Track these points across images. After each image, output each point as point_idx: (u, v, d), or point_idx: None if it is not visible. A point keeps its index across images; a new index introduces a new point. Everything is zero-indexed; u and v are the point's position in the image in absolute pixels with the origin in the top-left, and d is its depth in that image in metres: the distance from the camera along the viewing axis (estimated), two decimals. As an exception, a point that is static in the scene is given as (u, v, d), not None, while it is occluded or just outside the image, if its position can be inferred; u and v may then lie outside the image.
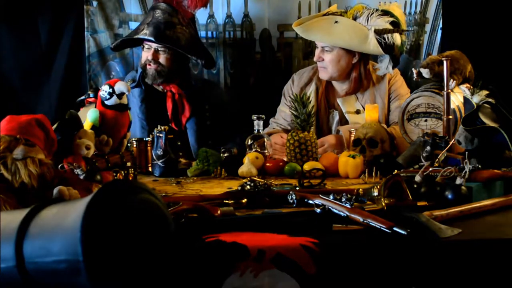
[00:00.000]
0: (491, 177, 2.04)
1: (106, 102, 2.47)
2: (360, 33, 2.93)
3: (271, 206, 1.99)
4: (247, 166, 2.54)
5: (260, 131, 2.76)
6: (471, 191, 1.95)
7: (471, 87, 2.51)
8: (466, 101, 2.44)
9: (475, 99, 2.39)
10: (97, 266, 1.24)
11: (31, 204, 1.43)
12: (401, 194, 1.91)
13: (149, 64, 3.16)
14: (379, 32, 2.89)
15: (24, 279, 1.31)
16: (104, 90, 2.47)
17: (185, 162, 2.71)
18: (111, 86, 2.46)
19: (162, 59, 3.17)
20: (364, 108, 2.98)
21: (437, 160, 2.21)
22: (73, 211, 1.28)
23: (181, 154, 2.78)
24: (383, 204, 1.85)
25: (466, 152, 2.14)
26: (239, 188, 2.11)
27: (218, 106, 3.40)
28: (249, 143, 2.71)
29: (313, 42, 3.27)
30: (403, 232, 1.61)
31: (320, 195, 1.86)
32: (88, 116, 2.47)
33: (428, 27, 3.59)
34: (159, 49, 3.16)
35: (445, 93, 2.51)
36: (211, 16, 3.59)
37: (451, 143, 2.32)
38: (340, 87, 3.14)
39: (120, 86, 2.46)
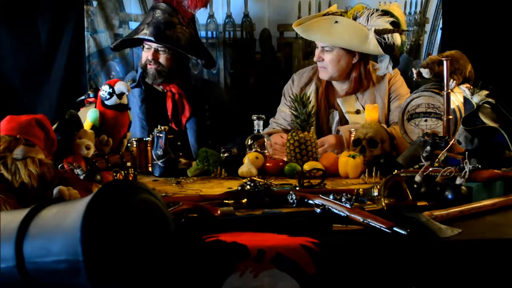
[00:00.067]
0: (491, 177, 2.04)
1: (106, 102, 2.47)
2: (360, 33, 2.93)
3: (271, 206, 1.99)
4: (247, 166, 2.54)
5: (260, 131, 2.76)
6: (471, 191, 1.95)
7: (471, 87, 2.51)
8: (466, 101, 2.44)
9: (475, 99, 2.39)
10: (97, 266, 1.24)
11: (31, 204, 1.43)
12: (401, 194, 1.91)
13: (150, 64, 3.16)
14: (379, 32, 2.89)
15: (24, 279, 1.31)
16: (104, 90, 2.47)
17: (185, 162, 2.71)
18: (111, 86, 2.46)
19: (162, 59, 3.17)
20: (364, 108, 2.98)
21: (437, 160, 2.21)
22: (73, 211, 1.28)
23: (181, 154, 2.78)
24: (383, 204, 1.85)
25: (466, 152, 2.14)
26: (239, 188, 2.11)
27: (218, 106, 3.40)
28: (249, 143, 2.71)
29: (313, 42, 3.27)
30: (403, 232, 1.61)
31: (320, 195, 1.86)
32: (88, 116, 2.47)
33: (428, 27, 3.59)
34: (159, 49, 3.17)
35: (445, 93, 2.51)
36: (211, 16, 3.59)
37: (451, 143, 2.32)
38: (340, 87, 3.14)
39: (120, 86, 2.46)
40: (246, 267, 1.54)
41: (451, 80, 2.60)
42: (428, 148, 2.34)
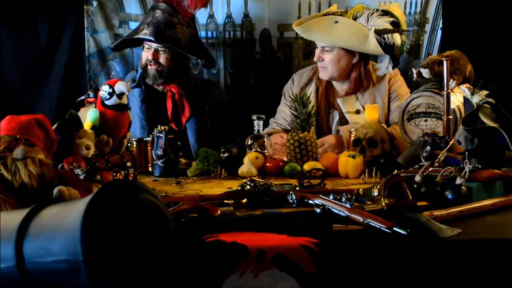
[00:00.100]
0: (491, 177, 2.04)
1: (106, 102, 2.47)
2: (360, 33, 2.93)
3: (271, 206, 1.99)
4: (247, 166, 2.54)
5: (260, 131, 2.76)
6: (471, 191, 1.95)
7: (471, 87, 2.51)
8: (466, 101, 2.44)
9: (475, 99, 2.39)
10: (97, 266, 1.24)
11: (31, 204, 1.43)
12: (401, 194, 1.91)
13: (150, 65, 3.16)
14: (379, 32, 2.89)
15: (24, 279, 1.31)
16: (104, 90, 2.47)
17: (185, 162, 2.71)
18: (111, 86, 2.46)
19: (162, 59, 3.17)
20: (364, 108, 2.98)
21: (437, 160, 2.21)
22: (73, 211, 1.28)
23: (181, 154, 2.78)
24: (383, 204, 1.85)
25: (466, 152, 2.14)
26: (239, 188, 2.11)
27: (218, 106, 3.40)
28: (249, 143, 2.71)
29: (313, 42, 3.27)
30: (403, 232, 1.61)
31: (320, 195, 1.86)
32: (88, 116, 2.47)
33: (428, 27, 3.59)
34: (159, 49, 3.17)
35: (445, 93, 2.51)
36: (211, 16, 3.59)
37: (451, 143, 2.32)
38: (340, 87, 3.14)
39: (120, 86, 2.46)
40: (246, 267, 1.54)
41: (451, 80, 2.60)
42: (428, 148, 2.34)
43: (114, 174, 2.33)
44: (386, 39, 2.90)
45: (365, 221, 1.70)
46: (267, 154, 2.71)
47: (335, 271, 1.56)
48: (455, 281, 1.58)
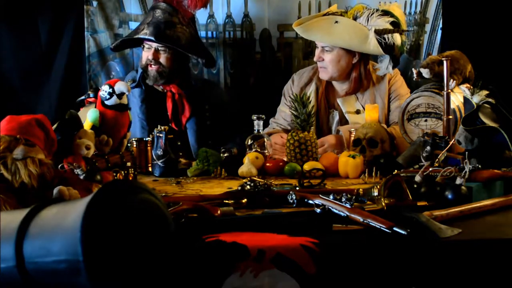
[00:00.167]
0: (491, 177, 2.04)
1: (106, 102, 2.47)
2: (360, 33, 2.93)
3: (271, 206, 1.99)
4: (247, 166, 2.54)
5: (260, 131, 2.76)
6: (471, 191, 1.95)
7: (471, 87, 2.51)
8: (466, 101, 2.44)
9: (475, 99, 2.39)
10: (97, 266, 1.24)
11: (31, 204, 1.43)
12: (401, 194, 1.91)
13: (150, 65, 3.16)
14: (379, 32, 2.89)
15: (24, 279, 1.31)
16: (104, 90, 2.47)
17: (185, 162, 2.71)
18: (111, 86, 2.46)
19: (162, 59, 3.17)
20: (364, 108, 2.98)
21: (437, 160, 2.21)
22: (73, 211, 1.28)
23: (181, 154, 2.78)
24: (383, 204, 1.85)
25: (466, 152, 2.14)
26: (239, 188, 2.11)
27: (218, 106, 3.40)
28: (249, 143, 2.71)
29: (313, 42, 3.27)
30: (403, 232, 1.61)
31: (320, 195, 1.86)
32: (88, 116, 2.47)
33: (428, 27, 3.59)
34: (159, 48, 3.17)
35: (445, 93, 2.51)
36: (211, 16, 3.59)
37: (451, 143, 2.32)
38: (340, 87, 3.14)
39: (120, 86, 2.46)
40: (246, 267, 1.54)
41: (451, 80, 2.60)
42: (428, 148, 2.34)
43: (114, 174, 2.33)
44: (386, 39, 2.90)
45: (365, 221, 1.70)
46: (267, 154, 2.71)
47: (335, 271, 1.56)
48: (455, 281, 1.58)
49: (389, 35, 2.90)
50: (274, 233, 1.65)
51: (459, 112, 2.59)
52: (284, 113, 3.16)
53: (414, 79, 2.81)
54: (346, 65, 3.03)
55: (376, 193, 1.92)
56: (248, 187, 2.07)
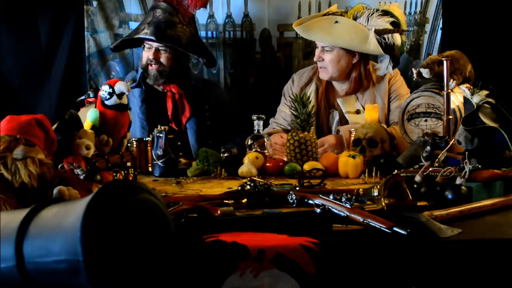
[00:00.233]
0: (491, 177, 2.04)
1: (106, 102, 2.47)
2: (361, 33, 2.93)
3: (271, 206, 1.99)
4: (247, 166, 2.54)
5: (260, 131, 2.76)
6: (471, 191, 1.95)
7: (471, 87, 2.51)
8: (466, 101, 2.44)
9: (475, 99, 2.39)
10: (97, 266, 1.24)
11: (31, 204, 1.43)
12: (401, 194, 1.91)
13: (151, 65, 3.16)
14: (379, 32, 2.89)
15: (24, 279, 1.31)
16: (104, 90, 2.47)
17: (185, 162, 2.71)
18: (111, 86, 2.46)
19: (163, 58, 3.17)
20: (364, 108, 2.99)
21: (437, 160, 2.21)
22: (73, 211, 1.28)
23: (181, 154, 2.78)
24: (383, 204, 1.85)
25: (466, 152, 2.14)
26: (239, 188, 2.11)
27: (218, 106, 3.40)
28: (249, 143, 2.71)
29: (313, 42, 3.27)
30: (403, 232, 1.61)
31: (320, 195, 1.86)
32: (88, 116, 2.47)
33: (428, 27, 3.59)
34: (160, 48, 3.17)
35: (445, 93, 2.51)
36: (211, 16, 3.59)
37: (451, 143, 2.32)
38: (340, 87, 3.14)
39: (120, 86, 2.46)
40: (246, 267, 1.54)
41: (451, 80, 2.60)
42: (428, 148, 2.34)
43: (114, 174, 2.33)
44: (386, 39, 2.90)
45: (365, 221, 1.70)
46: (267, 154, 2.71)
47: (335, 271, 1.56)
48: (455, 281, 1.58)
49: (389, 35, 2.90)
50: (274, 233, 1.65)
51: (459, 112, 2.59)
52: (284, 113, 3.16)
53: (414, 79, 2.81)
54: (346, 65, 3.03)
55: (376, 193, 1.92)
56: (248, 187, 2.07)
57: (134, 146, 2.67)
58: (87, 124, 2.44)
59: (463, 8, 3.49)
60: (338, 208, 1.78)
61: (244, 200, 2.01)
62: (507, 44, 3.48)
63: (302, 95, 2.66)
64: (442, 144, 2.32)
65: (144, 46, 3.22)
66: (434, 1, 3.54)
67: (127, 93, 2.49)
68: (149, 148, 2.67)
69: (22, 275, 1.31)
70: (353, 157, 2.52)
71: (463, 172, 1.99)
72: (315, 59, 3.07)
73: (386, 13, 2.95)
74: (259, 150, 2.68)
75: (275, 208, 1.96)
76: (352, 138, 2.74)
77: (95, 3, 3.52)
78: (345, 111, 3.07)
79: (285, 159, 2.69)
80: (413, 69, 2.82)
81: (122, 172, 2.39)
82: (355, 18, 2.97)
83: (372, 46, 2.90)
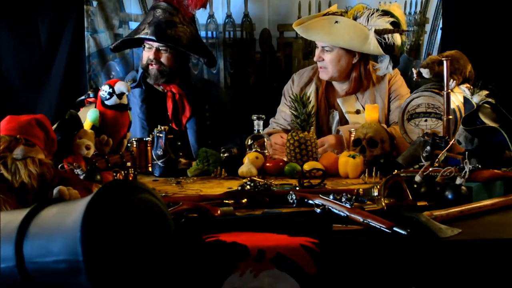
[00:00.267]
0: (491, 177, 2.04)
1: (106, 102, 2.47)
2: (361, 33, 2.93)
3: (271, 206, 1.99)
4: (247, 166, 2.54)
5: (260, 131, 2.76)
6: (471, 191, 1.95)
7: (471, 87, 2.51)
8: (466, 101, 2.44)
9: (475, 99, 2.39)
10: (97, 266, 1.24)
11: (31, 204, 1.43)
12: (401, 194, 1.91)
13: (151, 64, 3.16)
14: (379, 32, 2.89)
15: (24, 279, 1.31)
16: (104, 90, 2.47)
17: (185, 162, 2.71)
18: (111, 86, 2.46)
19: (164, 58, 3.17)
20: (364, 108, 2.99)
21: (437, 160, 2.21)
22: (73, 211, 1.28)
23: (181, 154, 2.78)
24: (383, 204, 1.85)
25: (466, 152, 2.13)
26: (239, 188, 2.11)
27: (218, 106, 3.40)
28: (249, 143, 2.71)
29: (313, 42, 3.27)
30: (403, 232, 1.61)
31: (320, 195, 1.86)
32: (88, 116, 2.47)
33: (428, 27, 3.59)
34: (160, 48, 3.17)
35: (445, 93, 2.51)
36: (211, 16, 3.59)
37: (451, 143, 2.32)
38: (340, 87, 3.14)
39: (120, 86, 2.46)
40: (246, 267, 1.54)
41: (451, 80, 2.60)
42: (428, 148, 2.33)
43: (114, 174, 2.33)
44: (386, 39, 2.90)
45: (365, 221, 1.69)
46: (267, 154, 2.71)
47: (335, 271, 1.56)
48: (455, 281, 1.58)
49: (389, 35, 2.90)
50: (274, 233, 1.65)
51: (459, 112, 2.59)
52: (284, 113, 3.16)
53: (414, 79, 2.81)
54: (346, 65, 3.03)
55: (376, 193, 1.92)
56: (248, 187, 2.07)
57: (134, 146, 2.67)
58: (87, 124, 2.44)
59: (463, 8, 3.49)
60: (338, 208, 1.78)
61: (244, 200, 2.01)
62: (507, 44, 3.48)
63: (302, 95, 2.66)
64: (442, 144, 2.32)
65: (145, 46, 3.22)
66: (434, 1, 3.54)
67: (127, 93, 2.49)
68: (149, 148, 2.67)
69: (22, 275, 1.31)
70: (353, 157, 2.52)
71: (463, 172, 1.99)
72: (315, 59, 3.07)
73: (386, 13, 2.95)
74: (259, 150, 2.68)
75: (275, 208, 1.96)
76: (352, 138, 2.74)
77: (95, 3, 3.52)
78: (345, 111, 3.07)
79: (285, 159, 2.69)
80: (413, 69, 2.82)
81: (122, 172, 2.39)
82: (355, 18, 2.97)
83: (372, 46, 2.90)
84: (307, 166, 2.51)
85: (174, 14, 3.18)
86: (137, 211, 1.33)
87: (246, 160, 2.58)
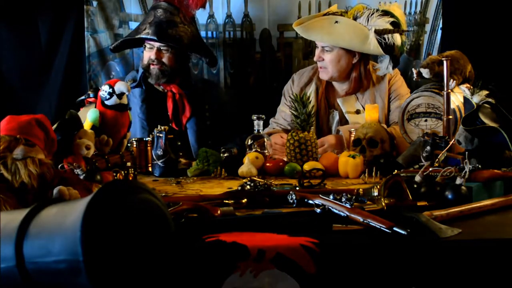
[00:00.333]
0: (491, 177, 2.04)
1: (106, 102, 2.47)
2: (361, 33, 2.93)
3: (271, 206, 1.99)
4: (247, 166, 2.54)
5: (260, 131, 2.76)
6: (471, 191, 1.95)
7: (471, 87, 2.51)
8: (466, 101, 2.44)
9: (475, 99, 2.39)
10: (97, 266, 1.24)
11: (31, 204, 1.43)
12: (401, 194, 1.91)
13: (153, 64, 3.16)
14: (379, 32, 2.89)
15: (24, 279, 1.31)
16: (104, 90, 2.47)
17: (185, 162, 2.71)
18: (111, 86, 2.46)
19: (165, 58, 3.17)
20: (364, 108, 2.99)
21: (437, 160, 2.21)
22: (73, 211, 1.28)
23: (181, 154, 2.78)
24: (383, 204, 1.85)
25: (466, 152, 2.13)
26: (239, 188, 2.11)
27: (218, 106, 3.40)
28: (249, 143, 2.71)
29: (313, 42, 3.27)
30: (403, 232, 1.61)
31: (320, 195, 1.86)
32: (88, 116, 2.47)
33: (428, 27, 3.59)
34: (162, 48, 3.17)
35: (445, 93, 2.51)
36: (211, 16, 3.59)
37: (451, 143, 2.32)
38: (340, 87, 3.14)
39: (120, 86, 2.46)
40: (246, 267, 1.54)
41: (451, 80, 2.60)
42: (428, 148, 2.33)
43: (114, 174, 2.33)
44: (386, 39, 2.90)
45: (365, 221, 1.69)
46: (267, 154, 2.71)
47: (335, 271, 1.56)
48: (455, 281, 1.58)
49: (389, 35, 2.90)
50: (274, 233, 1.65)
51: (459, 112, 2.59)
52: (284, 113, 3.16)
53: (414, 79, 2.81)
54: (346, 65, 3.03)
55: (376, 193, 1.92)
56: (248, 187, 2.07)
57: (134, 146, 2.67)
58: (87, 124, 2.44)
59: (463, 8, 3.49)
60: (338, 208, 1.78)
61: (244, 200, 2.01)
62: (507, 44, 3.48)
63: (302, 95, 2.66)
64: (442, 144, 2.32)
65: (145, 46, 3.22)
66: (434, 1, 3.54)
67: (127, 93, 2.49)
68: (149, 148, 2.67)
69: (22, 275, 1.31)
70: (353, 157, 2.52)
71: (463, 172, 1.99)
72: (315, 59, 3.07)
73: (386, 13, 2.95)
74: (259, 150, 2.68)
75: (275, 208, 1.96)
76: (352, 138, 2.74)
77: (95, 3, 3.53)
78: (345, 111, 3.07)
79: (285, 159, 2.69)
80: (413, 69, 2.82)
81: (122, 172, 2.39)
82: (355, 18, 2.97)
83: (372, 46, 2.90)
84: (307, 166, 2.51)
85: (175, 13, 3.18)
86: (137, 211, 1.33)
87: (246, 160, 2.58)
